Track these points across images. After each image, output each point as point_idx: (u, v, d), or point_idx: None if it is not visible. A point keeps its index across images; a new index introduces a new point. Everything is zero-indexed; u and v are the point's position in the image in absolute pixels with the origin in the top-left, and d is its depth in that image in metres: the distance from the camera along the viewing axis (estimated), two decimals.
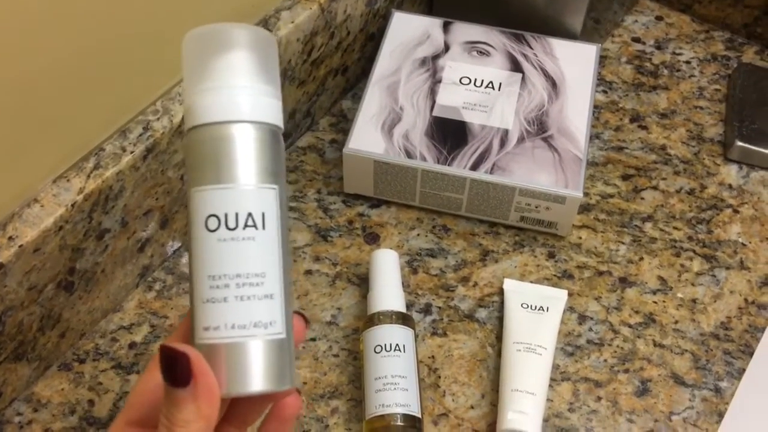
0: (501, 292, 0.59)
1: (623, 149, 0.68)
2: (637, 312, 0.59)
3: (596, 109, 0.71)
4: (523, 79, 0.65)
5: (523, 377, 0.52)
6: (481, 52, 0.67)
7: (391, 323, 0.53)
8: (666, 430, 0.53)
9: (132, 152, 0.51)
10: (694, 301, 0.59)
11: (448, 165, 0.60)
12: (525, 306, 0.57)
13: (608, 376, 0.56)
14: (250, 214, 0.34)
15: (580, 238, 0.63)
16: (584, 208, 0.64)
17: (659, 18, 0.79)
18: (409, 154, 0.60)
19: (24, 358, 0.52)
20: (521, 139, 0.61)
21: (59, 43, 0.45)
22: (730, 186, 0.66)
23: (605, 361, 0.56)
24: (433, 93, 0.64)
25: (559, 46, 0.67)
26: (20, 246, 0.47)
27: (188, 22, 0.52)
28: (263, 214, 0.34)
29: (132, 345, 0.57)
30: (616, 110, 0.71)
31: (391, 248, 0.61)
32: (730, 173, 0.67)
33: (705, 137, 0.69)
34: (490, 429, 0.53)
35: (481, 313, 0.59)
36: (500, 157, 0.60)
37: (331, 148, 0.68)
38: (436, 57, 0.66)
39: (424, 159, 0.60)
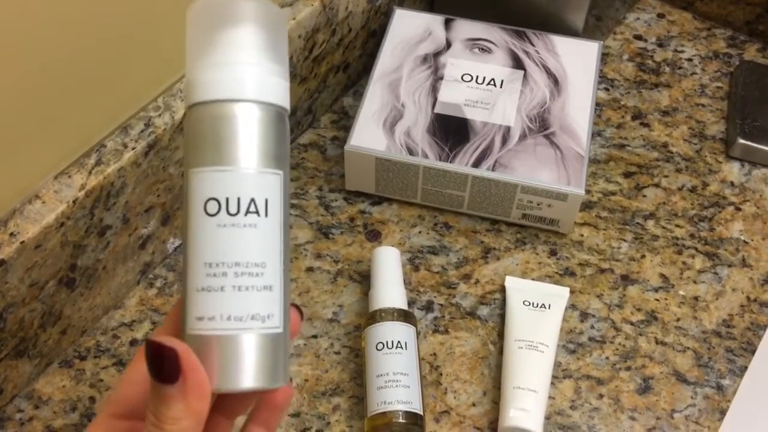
0: (503, 290, 0.59)
1: (625, 147, 0.68)
2: (639, 309, 0.59)
3: (598, 106, 0.71)
4: (524, 76, 0.65)
5: (525, 375, 0.52)
6: (482, 49, 0.66)
7: (392, 320, 0.53)
8: (668, 428, 0.53)
9: (133, 149, 0.51)
10: (696, 298, 0.59)
11: (450, 162, 0.59)
12: (527, 303, 0.57)
13: (610, 373, 0.56)
14: (252, 200, 0.32)
15: (582, 235, 0.63)
16: (586, 206, 0.64)
17: (661, 15, 0.78)
18: (410, 152, 0.60)
19: (25, 355, 0.52)
20: (523, 137, 0.61)
21: (61, 40, 0.45)
22: (732, 183, 0.66)
23: (607, 358, 0.56)
24: (434, 90, 0.64)
25: (561, 43, 0.67)
26: (22, 242, 0.47)
27: None
28: (266, 201, 0.32)
29: (133, 342, 0.56)
30: (618, 108, 0.71)
31: (392, 245, 0.61)
32: (732, 171, 0.67)
33: (707, 135, 0.69)
34: (491, 426, 0.53)
35: (483, 311, 0.58)
36: (502, 154, 0.60)
37: (333, 145, 0.68)
38: (437, 54, 0.66)
39: (425, 156, 0.60)
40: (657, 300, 0.59)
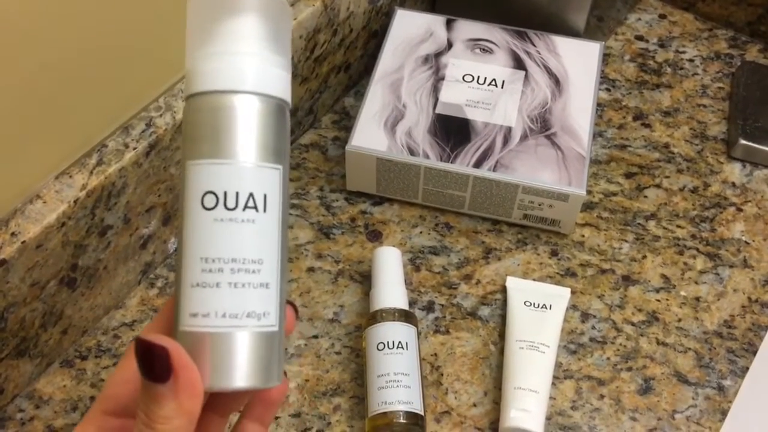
0: (504, 290, 0.59)
1: (626, 147, 0.68)
2: (640, 310, 0.59)
3: (599, 107, 0.71)
4: (526, 76, 0.65)
5: (526, 375, 0.52)
6: (484, 49, 0.66)
7: (393, 320, 0.53)
8: (669, 428, 0.53)
9: (135, 149, 0.51)
10: (697, 299, 0.59)
11: (451, 162, 0.59)
12: (528, 304, 0.57)
13: (611, 374, 0.56)
14: (251, 195, 0.31)
15: (583, 236, 0.63)
16: (587, 206, 0.64)
17: (662, 16, 0.78)
18: (411, 152, 0.60)
19: (26, 355, 0.52)
20: (524, 137, 0.61)
21: (62, 40, 0.45)
22: (734, 184, 0.66)
23: (608, 359, 0.56)
24: (436, 90, 0.64)
25: (563, 43, 0.67)
26: (23, 242, 0.47)
27: None
28: (265, 196, 0.31)
29: None
30: (619, 108, 0.71)
31: (393, 246, 0.61)
32: (734, 171, 0.67)
33: (708, 135, 0.69)
34: (492, 427, 0.53)
35: (484, 311, 0.58)
36: (503, 154, 0.60)
37: (334, 145, 0.68)
38: (439, 54, 0.66)
39: (426, 156, 0.60)
40: (658, 300, 0.59)
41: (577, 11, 0.68)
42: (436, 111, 0.62)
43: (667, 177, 0.66)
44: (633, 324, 0.58)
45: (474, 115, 0.62)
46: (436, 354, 0.56)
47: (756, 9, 0.75)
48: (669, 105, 0.71)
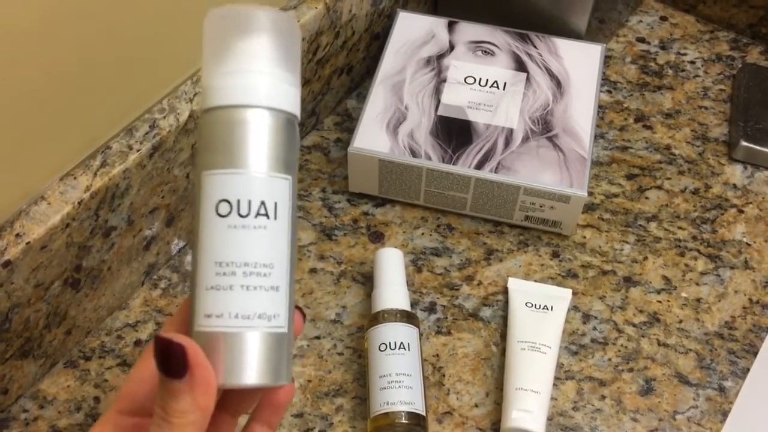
0: (505, 291, 0.60)
1: (628, 149, 0.68)
2: (641, 311, 0.59)
3: (601, 108, 0.71)
4: (527, 78, 0.65)
5: (528, 376, 0.52)
6: (485, 51, 0.67)
7: (395, 321, 0.53)
8: (670, 429, 0.53)
9: (138, 150, 0.52)
10: (698, 300, 0.60)
11: (453, 164, 0.60)
12: (529, 305, 0.57)
13: (612, 375, 0.56)
14: (262, 203, 0.33)
15: (585, 237, 0.63)
16: (589, 208, 0.64)
17: (664, 18, 0.79)
18: (413, 153, 0.60)
19: (30, 355, 0.52)
20: (526, 139, 0.61)
21: (66, 42, 0.46)
22: (735, 186, 0.66)
23: (609, 360, 0.56)
24: (437, 92, 0.64)
25: (564, 45, 0.67)
26: (27, 243, 0.47)
27: (195, 21, 0.53)
28: (276, 204, 0.33)
29: (137, 342, 0.57)
30: (620, 110, 0.71)
31: (395, 247, 0.61)
32: (735, 173, 0.67)
33: (709, 137, 0.69)
34: (494, 427, 0.53)
35: (486, 312, 0.59)
36: (505, 156, 0.60)
37: (336, 147, 0.68)
38: (440, 56, 0.66)
39: (428, 158, 0.60)
40: (659, 302, 0.59)
41: (579, 13, 0.68)
42: (438, 113, 0.63)
43: (668, 178, 0.66)
44: (634, 325, 0.58)
45: (476, 116, 0.62)
46: (437, 355, 0.57)
47: (757, 11, 0.75)
48: (670, 107, 0.71)
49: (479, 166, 0.60)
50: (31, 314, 0.50)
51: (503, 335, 0.57)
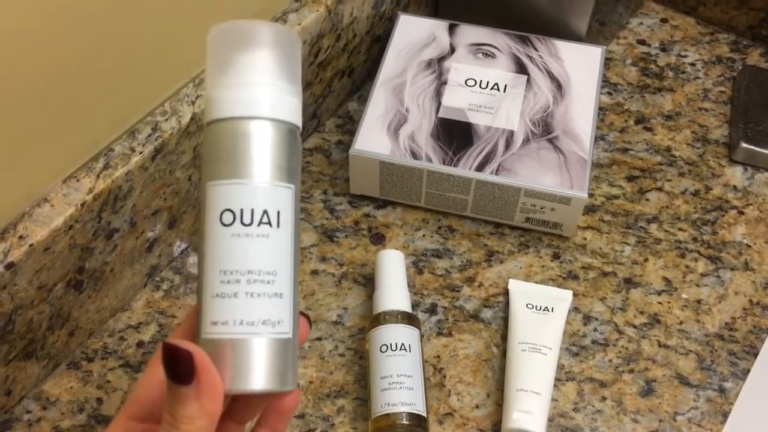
0: (506, 293, 0.60)
1: (628, 151, 0.69)
2: (641, 312, 0.59)
3: (601, 110, 0.71)
4: (528, 80, 0.65)
5: (528, 377, 0.53)
6: (486, 54, 0.67)
7: (396, 323, 0.53)
8: (670, 430, 0.54)
9: (141, 153, 0.52)
10: (698, 301, 0.60)
11: (454, 166, 0.60)
12: (530, 306, 0.57)
13: (613, 376, 0.56)
14: (265, 212, 0.34)
15: (585, 239, 0.63)
16: (589, 209, 0.65)
17: (664, 20, 0.79)
18: (414, 155, 0.60)
19: (33, 357, 0.53)
20: (526, 141, 0.61)
21: (69, 45, 0.46)
22: (735, 187, 0.66)
23: (610, 361, 0.57)
24: (438, 94, 0.64)
25: (564, 48, 0.67)
26: (30, 245, 0.47)
27: (197, 25, 0.53)
28: (278, 213, 0.34)
29: (140, 344, 0.57)
30: (621, 112, 0.71)
31: (396, 249, 0.61)
32: (735, 175, 0.67)
33: (710, 139, 0.69)
34: (495, 428, 0.53)
35: (487, 314, 0.59)
36: (505, 158, 0.60)
37: (338, 149, 0.68)
38: (441, 59, 0.67)
39: (429, 160, 0.60)
40: (660, 303, 0.60)
41: (579, 16, 0.68)
42: (439, 115, 0.63)
43: (668, 180, 0.67)
44: (635, 326, 0.58)
45: (476, 119, 0.63)
46: (438, 356, 0.57)
47: (757, 13, 0.75)
48: (671, 109, 0.72)
49: (480, 168, 0.60)
50: (34, 316, 0.50)
51: (504, 336, 0.58)
